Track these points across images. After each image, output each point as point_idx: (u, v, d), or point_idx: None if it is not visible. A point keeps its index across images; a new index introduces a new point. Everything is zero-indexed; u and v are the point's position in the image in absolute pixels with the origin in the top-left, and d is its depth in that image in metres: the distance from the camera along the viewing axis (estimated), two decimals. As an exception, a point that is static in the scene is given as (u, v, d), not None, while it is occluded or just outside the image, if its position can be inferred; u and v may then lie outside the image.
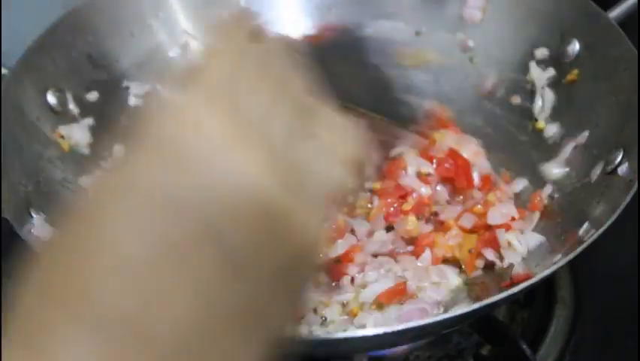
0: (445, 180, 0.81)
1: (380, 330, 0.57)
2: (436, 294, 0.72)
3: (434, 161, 0.81)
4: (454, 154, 0.81)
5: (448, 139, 0.86)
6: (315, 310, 0.73)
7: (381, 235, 0.78)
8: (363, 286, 0.74)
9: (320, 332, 0.70)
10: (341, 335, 0.60)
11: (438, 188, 0.80)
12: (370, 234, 0.78)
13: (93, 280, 0.31)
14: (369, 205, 0.80)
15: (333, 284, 0.75)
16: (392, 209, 0.78)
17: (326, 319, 0.72)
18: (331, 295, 0.74)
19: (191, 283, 0.32)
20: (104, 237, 0.32)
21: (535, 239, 0.74)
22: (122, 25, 0.88)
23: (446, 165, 0.80)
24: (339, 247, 0.75)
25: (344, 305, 0.73)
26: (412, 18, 0.93)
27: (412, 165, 0.80)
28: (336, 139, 0.38)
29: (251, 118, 0.34)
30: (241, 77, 0.35)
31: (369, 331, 0.58)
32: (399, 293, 0.71)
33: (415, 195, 0.79)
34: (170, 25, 0.91)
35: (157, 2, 0.90)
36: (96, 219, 0.32)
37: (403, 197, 0.79)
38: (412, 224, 0.77)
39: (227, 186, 0.32)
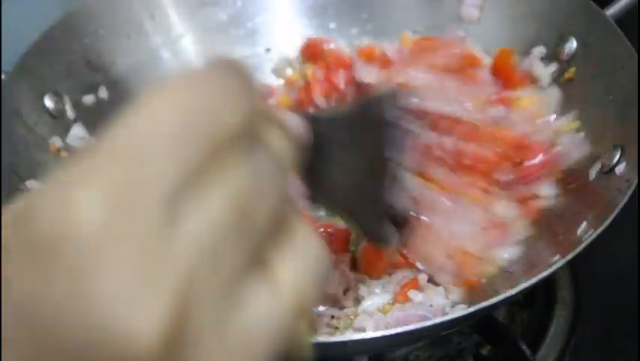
0: None
1: (378, 333, 0.57)
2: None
3: None
4: None
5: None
6: (327, 324, 0.72)
7: None
8: (359, 300, 0.73)
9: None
10: (340, 338, 0.60)
11: None
12: None
13: None
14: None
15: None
16: None
17: (337, 328, 0.72)
18: (339, 308, 0.73)
19: None
20: None
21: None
22: (118, 28, 0.88)
23: None
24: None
25: (351, 318, 0.73)
26: (409, 16, 0.93)
27: None
28: (292, 274, 0.28)
29: (178, 231, 0.24)
30: (189, 150, 0.25)
31: (368, 334, 0.58)
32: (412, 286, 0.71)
33: None
34: (166, 26, 0.91)
35: (152, 4, 0.90)
36: None
37: None
38: None
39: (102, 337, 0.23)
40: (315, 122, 0.44)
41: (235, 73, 0.27)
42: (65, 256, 0.23)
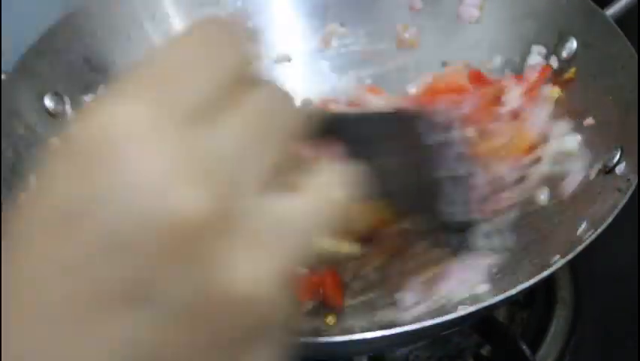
0: None
1: (378, 333, 0.57)
2: None
3: None
4: None
5: None
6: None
7: None
8: None
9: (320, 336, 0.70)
10: (340, 338, 0.59)
11: None
12: None
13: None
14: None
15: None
16: None
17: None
18: None
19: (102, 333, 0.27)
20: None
21: None
22: (118, 28, 0.88)
23: None
24: None
25: None
26: (410, 16, 0.93)
27: None
28: (321, 194, 0.32)
29: (203, 143, 0.28)
30: (210, 78, 0.30)
31: (368, 334, 0.58)
32: None
33: None
34: (166, 26, 0.91)
35: (152, 4, 0.90)
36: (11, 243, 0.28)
37: None
38: None
39: (147, 213, 0.26)
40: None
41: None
42: (108, 155, 0.26)
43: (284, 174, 0.32)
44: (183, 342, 0.28)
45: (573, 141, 0.78)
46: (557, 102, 0.80)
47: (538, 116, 0.79)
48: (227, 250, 0.28)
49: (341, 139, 0.43)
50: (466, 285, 0.70)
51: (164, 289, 0.27)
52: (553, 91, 0.81)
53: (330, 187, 0.33)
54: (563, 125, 0.79)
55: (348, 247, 0.35)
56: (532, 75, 0.83)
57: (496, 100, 0.80)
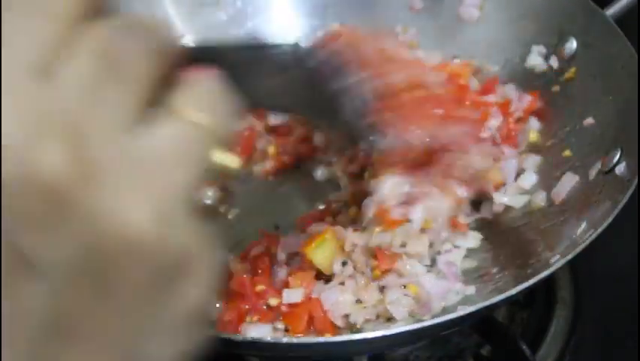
0: None
1: (378, 333, 0.57)
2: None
3: None
4: None
5: None
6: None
7: None
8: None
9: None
10: (340, 338, 0.60)
11: None
12: None
13: None
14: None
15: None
16: None
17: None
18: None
19: None
20: None
21: None
22: (118, 28, 0.88)
23: None
24: None
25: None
26: (410, 17, 0.94)
27: None
28: (195, 109, 0.31)
29: (61, 95, 0.27)
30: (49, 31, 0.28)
31: (368, 334, 0.58)
32: None
33: None
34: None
35: (152, 4, 0.90)
36: None
37: None
38: None
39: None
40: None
41: None
42: None
43: (155, 103, 0.30)
44: (88, 304, 0.27)
45: (531, 180, 0.79)
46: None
47: (511, 162, 0.79)
48: (105, 198, 0.27)
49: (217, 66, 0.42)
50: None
51: (43, 255, 0.26)
52: (533, 134, 0.82)
53: (201, 112, 0.31)
54: (532, 160, 0.80)
55: (232, 161, 0.34)
56: (518, 108, 0.82)
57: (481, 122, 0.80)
